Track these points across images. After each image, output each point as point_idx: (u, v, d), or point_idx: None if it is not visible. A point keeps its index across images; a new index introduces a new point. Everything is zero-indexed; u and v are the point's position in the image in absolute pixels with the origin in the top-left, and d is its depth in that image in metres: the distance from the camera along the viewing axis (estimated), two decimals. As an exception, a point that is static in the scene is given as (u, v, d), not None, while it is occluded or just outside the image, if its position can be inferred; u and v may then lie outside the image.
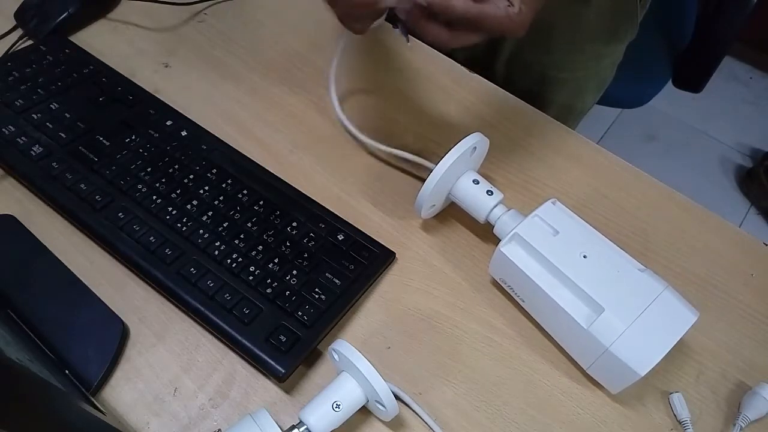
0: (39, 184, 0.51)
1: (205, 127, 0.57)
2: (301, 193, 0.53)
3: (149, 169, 0.52)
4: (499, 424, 0.43)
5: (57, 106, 0.57)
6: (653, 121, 1.79)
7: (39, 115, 0.56)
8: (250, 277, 0.46)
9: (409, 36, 0.43)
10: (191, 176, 0.52)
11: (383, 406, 0.39)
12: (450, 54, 0.67)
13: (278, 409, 0.43)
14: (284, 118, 0.60)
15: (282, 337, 0.43)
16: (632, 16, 0.69)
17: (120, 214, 0.49)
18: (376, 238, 0.50)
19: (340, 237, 0.49)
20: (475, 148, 0.48)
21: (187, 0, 0.70)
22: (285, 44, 0.67)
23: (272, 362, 0.42)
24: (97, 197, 0.50)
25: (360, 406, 0.40)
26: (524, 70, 0.73)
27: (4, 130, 0.54)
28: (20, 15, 0.66)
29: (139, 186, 0.51)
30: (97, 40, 0.66)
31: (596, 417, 0.43)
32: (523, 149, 0.59)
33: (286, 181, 0.53)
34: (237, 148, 0.55)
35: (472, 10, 0.36)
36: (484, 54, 0.73)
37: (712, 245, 0.53)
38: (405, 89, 0.63)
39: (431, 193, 0.47)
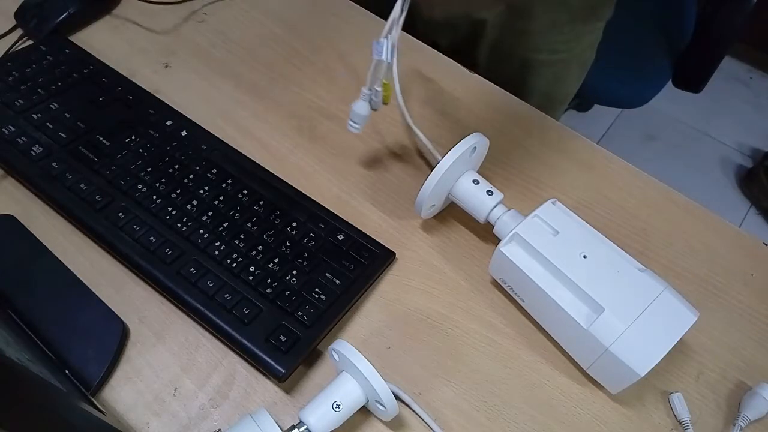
0: (39, 184, 0.51)
1: (205, 127, 0.57)
2: (301, 193, 0.53)
3: (149, 169, 0.52)
4: (499, 424, 0.43)
5: (57, 106, 0.57)
6: (653, 121, 1.79)
7: (39, 115, 0.56)
8: (250, 277, 0.46)
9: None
10: (191, 176, 0.52)
11: (383, 406, 0.39)
12: (433, 43, 0.67)
13: (278, 409, 0.43)
14: (284, 118, 0.60)
15: (282, 337, 0.43)
16: None
17: (120, 214, 0.49)
18: (376, 238, 0.50)
19: (340, 237, 0.49)
20: (475, 148, 0.48)
21: None
22: (285, 44, 0.67)
23: (272, 362, 0.42)
24: (97, 197, 0.50)
25: (360, 406, 0.40)
26: (505, 56, 0.73)
27: (4, 130, 0.54)
28: (20, 15, 0.66)
29: (139, 186, 0.51)
30: (97, 40, 0.66)
31: (596, 417, 0.43)
32: (523, 149, 0.59)
33: (286, 181, 0.53)
34: (237, 148, 0.55)
35: None
36: (466, 42, 0.73)
37: (712, 245, 0.53)
38: (405, 90, 0.63)
39: (431, 193, 0.47)
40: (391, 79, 0.50)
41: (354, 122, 0.51)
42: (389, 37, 0.47)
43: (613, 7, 0.72)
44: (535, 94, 0.76)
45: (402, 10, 0.45)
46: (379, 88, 0.50)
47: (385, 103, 0.52)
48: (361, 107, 0.50)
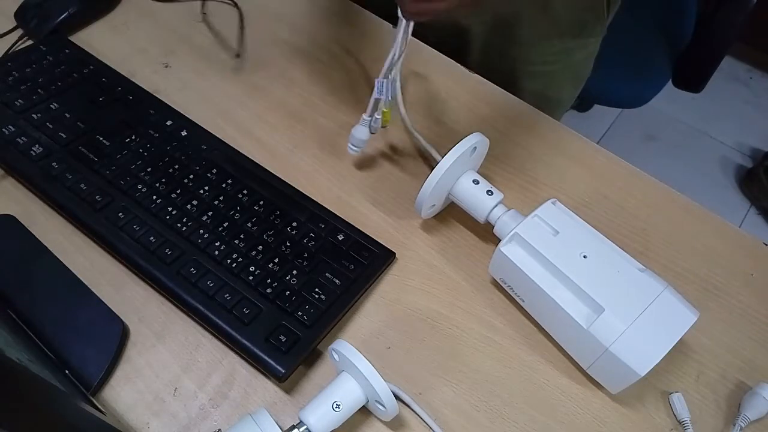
0: (39, 184, 0.51)
1: (205, 127, 0.57)
2: (301, 193, 0.53)
3: (149, 169, 0.52)
4: (499, 424, 0.43)
5: (57, 106, 0.57)
6: (653, 121, 1.79)
7: (39, 115, 0.56)
8: (250, 277, 0.46)
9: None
10: (191, 176, 0.52)
11: (383, 406, 0.39)
12: (424, 39, 0.67)
13: (278, 409, 0.43)
14: (284, 118, 0.60)
15: (282, 337, 0.43)
16: (598, 10, 0.69)
17: (120, 214, 0.49)
18: (376, 238, 0.50)
19: (340, 237, 0.49)
20: (475, 148, 0.48)
21: None
22: (285, 44, 0.67)
23: (272, 362, 0.42)
24: (97, 197, 0.50)
25: (360, 406, 0.40)
26: (496, 61, 0.73)
27: (4, 130, 0.54)
28: (20, 15, 0.66)
29: (139, 186, 0.51)
30: (97, 40, 0.66)
31: (596, 417, 0.43)
32: (523, 149, 0.59)
33: (286, 181, 0.53)
34: (237, 148, 0.55)
35: None
36: (456, 42, 0.73)
37: (712, 245, 0.53)
38: (405, 90, 0.63)
39: (431, 193, 0.47)
40: (394, 101, 0.53)
41: (354, 145, 0.53)
42: (389, 78, 0.49)
43: (606, 25, 0.72)
44: (528, 95, 0.75)
45: (401, 53, 0.48)
46: (379, 116, 0.52)
47: (383, 127, 0.54)
48: (361, 132, 0.53)
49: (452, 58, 0.66)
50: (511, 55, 0.72)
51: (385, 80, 0.49)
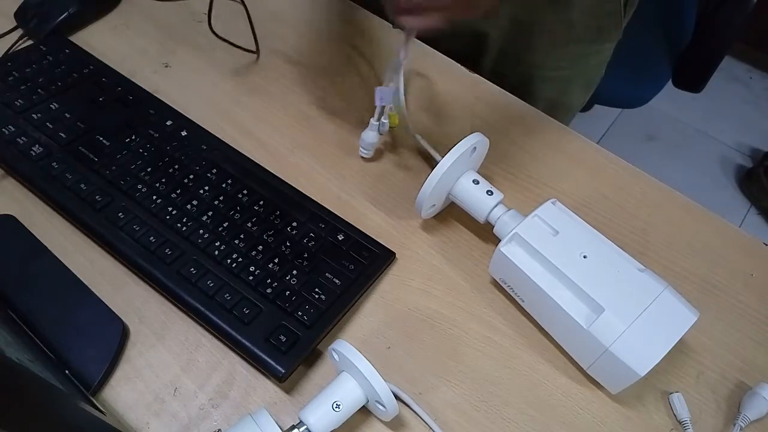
0: (39, 184, 0.51)
1: (205, 127, 0.57)
2: (301, 193, 0.53)
3: (149, 169, 0.52)
4: (499, 424, 0.43)
5: (57, 106, 0.57)
6: (653, 121, 1.79)
7: (39, 115, 0.56)
8: (250, 277, 0.46)
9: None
10: (191, 176, 0.52)
11: (383, 406, 0.39)
12: (434, 46, 0.67)
13: (278, 409, 0.43)
14: (284, 118, 0.60)
15: (282, 337, 0.43)
16: (616, 16, 0.69)
17: (120, 214, 0.49)
18: (376, 238, 0.50)
19: (340, 237, 0.49)
20: (475, 148, 0.48)
21: None
22: (285, 44, 0.67)
23: (272, 362, 0.42)
24: (97, 197, 0.50)
25: (360, 406, 0.40)
26: (511, 66, 0.73)
27: (4, 130, 0.54)
28: (20, 15, 0.66)
29: (139, 186, 0.51)
30: (97, 40, 0.66)
31: (596, 417, 0.43)
32: (523, 149, 0.59)
33: (286, 181, 0.53)
34: (237, 148, 0.55)
35: None
36: (468, 52, 0.73)
37: (712, 245, 0.53)
38: (405, 90, 0.63)
39: (431, 193, 0.47)
40: (400, 107, 0.55)
41: (364, 149, 0.55)
42: (390, 87, 0.51)
43: (621, 30, 0.72)
44: (539, 101, 0.75)
45: (401, 63, 0.49)
46: (386, 120, 0.54)
47: (392, 127, 0.55)
48: (370, 136, 0.54)
49: (464, 64, 0.66)
50: (527, 61, 0.72)
51: (386, 88, 0.50)
